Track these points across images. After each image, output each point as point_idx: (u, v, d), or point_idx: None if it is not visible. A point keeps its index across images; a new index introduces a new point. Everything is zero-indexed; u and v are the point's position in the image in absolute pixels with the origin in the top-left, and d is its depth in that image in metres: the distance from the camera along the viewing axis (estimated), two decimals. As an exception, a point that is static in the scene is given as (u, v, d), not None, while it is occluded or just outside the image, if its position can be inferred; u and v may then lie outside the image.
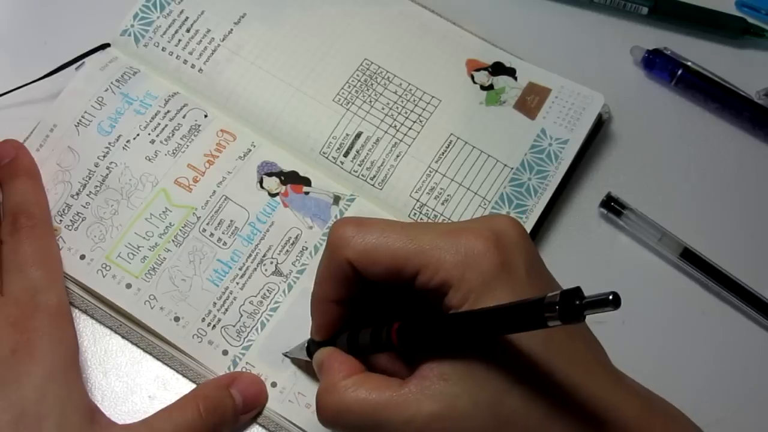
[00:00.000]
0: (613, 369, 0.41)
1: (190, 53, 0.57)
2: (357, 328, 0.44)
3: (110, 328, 0.51)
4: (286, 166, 0.55)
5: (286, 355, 0.50)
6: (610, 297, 0.31)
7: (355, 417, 0.41)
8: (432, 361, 0.40)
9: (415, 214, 0.54)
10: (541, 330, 0.34)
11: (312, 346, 0.46)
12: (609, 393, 0.39)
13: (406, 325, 0.41)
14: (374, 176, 0.55)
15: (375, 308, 0.45)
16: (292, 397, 0.50)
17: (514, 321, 0.36)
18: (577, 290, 0.33)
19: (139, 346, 0.51)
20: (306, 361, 0.49)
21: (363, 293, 0.43)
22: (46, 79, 0.57)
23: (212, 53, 0.57)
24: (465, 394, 0.39)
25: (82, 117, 0.55)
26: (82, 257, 0.52)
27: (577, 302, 0.32)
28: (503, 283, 0.39)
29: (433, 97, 0.57)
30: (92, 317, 0.52)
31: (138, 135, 0.55)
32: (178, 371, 0.51)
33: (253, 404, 0.49)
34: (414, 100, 0.57)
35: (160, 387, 0.51)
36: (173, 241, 0.52)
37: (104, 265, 0.52)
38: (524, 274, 0.40)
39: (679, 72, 0.59)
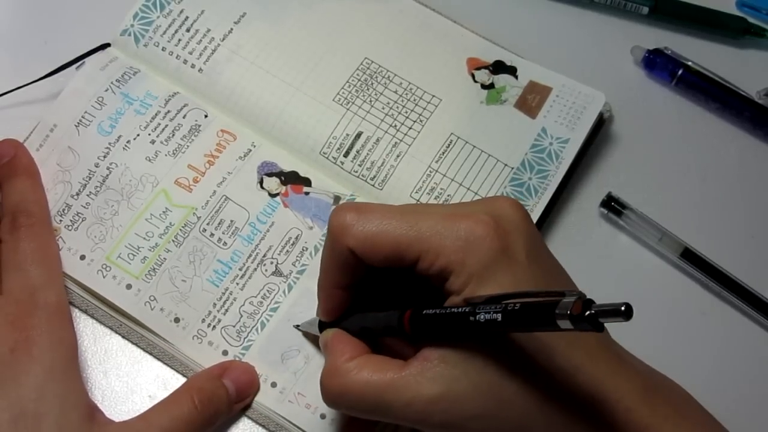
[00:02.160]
0: (615, 350, 0.42)
1: (190, 53, 0.57)
2: (365, 310, 0.45)
3: (110, 328, 0.52)
4: (287, 167, 0.55)
5: (297, 328, 0.51)
6: (623, 308, 0.32)
7: (357, 399, 0.41)
8: (434, 343, 0.40)
9: (416, 213, 0.54)
10: None
11: (321, 325, 0.47)
12: (610, 375, 0.40)
13: (419, 315, 0.41)
14: (374, 176, 0.55)
15: (381, 290, 0.45)
16: (292, 398, 0.50)
17: (528, 322, 0.36)
18: (589, 302, 0.33)
19: (139, 346, 0.51)
20: (315, 336, 0.49)
21: (368, 277, 0.43)
22: (46, 79, 0.56)
23: (212, 53, 0.57)
24: (465, 377, 0.39)
25: (83, 117, 0.55)
26: (82, 257, 0.52)
27: (587, 313, 0.33)
28: (503, 267, 0.39)
29: (433, 96, 0.57)
30: (92, 317, 0.52)
31: (138, 135, 0.55)
32: (178, 371, 0.51)
33: (246, 393, 0.49)
34: (414, 100, 0.57)
35: (160, 387, 0.51)
36: (173, 241, 0.52)
37: (104, 266, 0.52)
38: (524, 258, 0.40)
39: (680, 72, 0.59)
